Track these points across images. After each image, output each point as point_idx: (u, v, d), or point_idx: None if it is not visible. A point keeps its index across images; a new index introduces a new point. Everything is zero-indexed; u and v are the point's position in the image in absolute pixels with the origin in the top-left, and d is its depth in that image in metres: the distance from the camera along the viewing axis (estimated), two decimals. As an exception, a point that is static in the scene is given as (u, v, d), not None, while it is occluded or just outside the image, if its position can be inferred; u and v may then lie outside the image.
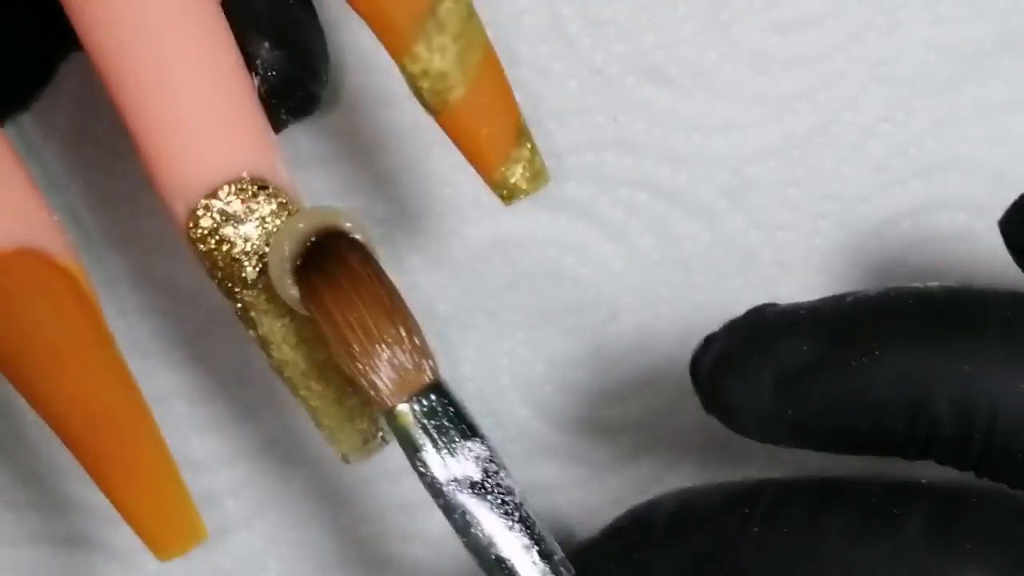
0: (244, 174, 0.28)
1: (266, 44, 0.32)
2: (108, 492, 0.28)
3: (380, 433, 0.31)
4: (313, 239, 0.28)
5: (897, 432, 0.27)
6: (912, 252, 0.38)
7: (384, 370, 0.28)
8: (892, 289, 0.28)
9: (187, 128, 0.28)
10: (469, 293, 0.39)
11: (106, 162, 0.38)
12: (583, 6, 0.37)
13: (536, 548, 0.28)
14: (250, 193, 0.28)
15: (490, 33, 0.37)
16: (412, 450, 0.28)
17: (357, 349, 0.28)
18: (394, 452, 0.40)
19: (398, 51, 0.28)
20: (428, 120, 0.38)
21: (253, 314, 0.29)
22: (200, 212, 0.28)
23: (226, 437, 0.40)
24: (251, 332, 0.30)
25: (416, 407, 0.28)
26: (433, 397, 0.29)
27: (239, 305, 0.29)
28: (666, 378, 0.39)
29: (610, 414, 0.39)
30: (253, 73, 0.31)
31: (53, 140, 0.38)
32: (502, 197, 0.29)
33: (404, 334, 0.29)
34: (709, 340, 0.30)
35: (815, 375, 0.28)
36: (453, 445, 0.28)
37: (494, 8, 0.37)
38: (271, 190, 0.28)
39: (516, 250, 0.39)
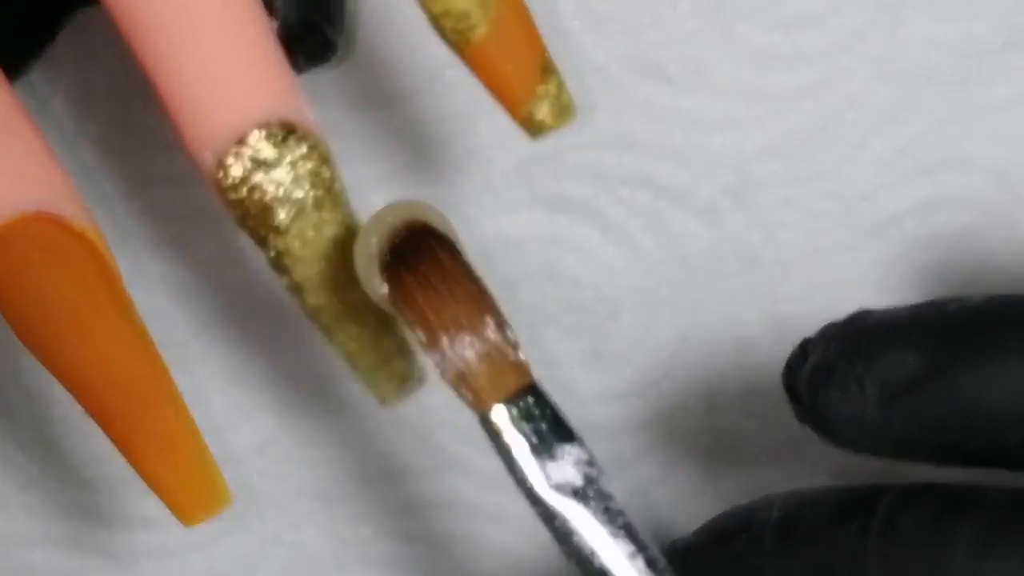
0: (272, 118, 0.28)
1: None
2: (132, 459, 0.28)
3: (417, 373, 0.30)
4: (402, 234, 0.28)
5: (1010, 445, 0.27)
6: (915, 251, 0.38)
7: (476, 370, 0.28)
8: (995, 297, 0.28)
9: (211, 74, 0.27)
10: (469, 293, 0.39)
11: (104, 161, 0.38)
12: (584, 3, 0.37)
13: (641, 556, 0.28)
14: (280, 137, 0.28)
15: (490, 31, 0.37)
16: (508, 455, 0.28)
17: (449, 347, 0.28)
18: (396, 453, 0.40)
19: None
20: (427, 120, 0.38)
21: (287, 261, 0.29)
22: (230, 161, 0.28)
23: (222, 438, 0.40)
24: (284, 280, 0.29)
25: (513, 409, 0.28)
26: (529, 399, 0.28)
27: (272, 253, 0.29)
28: (667, 378, 0.39)
29: (610, 414, 0.39)
30: (272, 16, 0.31)
31: (54, 137, 0.38)
32: (530, 133, 0.29)
33: (497, 333, 0.28)
34: (805, 347, 0.29)
35: (923, 388, 0.27)
36: (552, 449, 0.28)
37: (494, 5, 0.37)
38: (300, 133, 0.28)
39: (516, 250, 0.38)
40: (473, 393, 0.27)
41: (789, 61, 0.37)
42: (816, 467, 0.38)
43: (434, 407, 0.39)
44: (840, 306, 0.38)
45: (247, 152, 0.28)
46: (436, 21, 0.28)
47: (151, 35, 0.27)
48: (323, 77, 0.38)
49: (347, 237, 0.29)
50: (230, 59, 0.27)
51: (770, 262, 0.38)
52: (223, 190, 0.28)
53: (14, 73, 0.32)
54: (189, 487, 0.28)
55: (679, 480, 0.40)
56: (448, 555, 0.40)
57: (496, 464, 0.40)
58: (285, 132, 0.28)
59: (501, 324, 0.28)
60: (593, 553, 0.27)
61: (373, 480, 0.40)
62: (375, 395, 0.31)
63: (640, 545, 0.27)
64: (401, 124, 0.38)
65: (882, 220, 0.38)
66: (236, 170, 0.28)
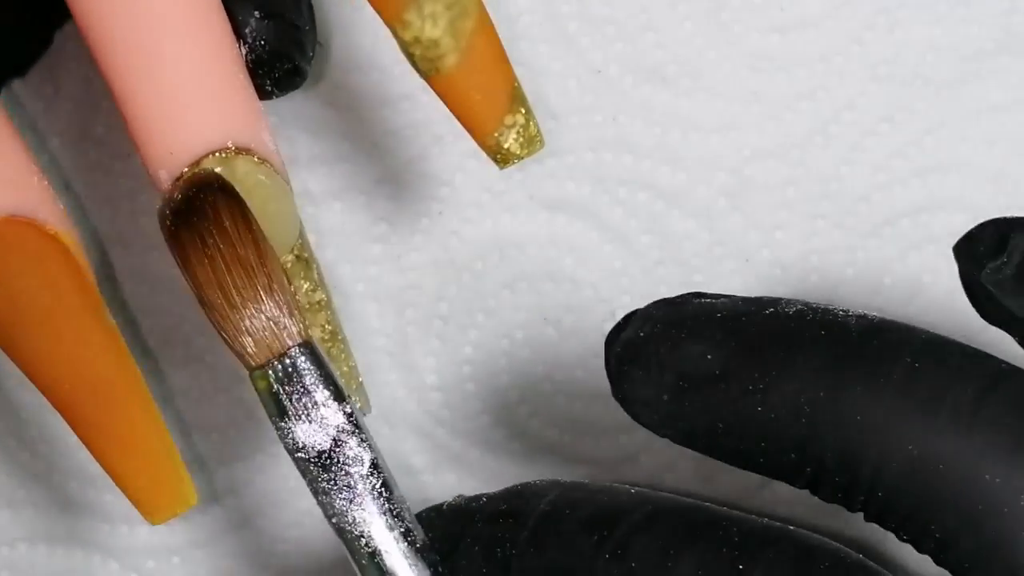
0: (229, 143, 0.28)
1: (255, 13, 0.32)
2: (99, 456, 0.28)
3: (358, 403, 0.30)
4: (186, 192, 0.28)
5: (783, 463, 0.27)
6: (910, 252, 0.38)
7: (246, 333, 0.28)
8: (812, 311, 0.27)
9: (172, 96, 0.27)
10: (469, 293, 0.39)
11: (106, 161, 0.38)
12: (582, 6, 0.37)
13: (386, 518, 0.28)
14: (234, 163, 0.28)
15: (490, 33, 0.37)
16: (270, 414, 0.28)
17: (220, 311, 0.28)
18: (395, 451, 0.40)
19: (389, 17, 0.28)
20: (427, 119, 0.38)
21: None
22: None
23: (226, 435, 0.40)
24: None
25: (271, 372, 0.28)
26: (295, 360, 0.28)
27: None
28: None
29: (610, 414, 0.39)
30: (241, 42, 0.31)
31: (54, 141, 0.38)
32: (496, 162, 0.29)
33: (266, 295, 0.28)
34: (626, 319, 0.29)
35: (711, 389, 0.27)
36: (307, 412, 0.28)
37: (494, 8, 0.37)
38: (256, 160, 0.28)
39: (516, 250, 0.39)
40: (242, 354, 0.28)
41: (786, 64, 0.37)
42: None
43: (434, 406, 0.39)
44: (838, 306, 0.39)
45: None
46: (406, 48, 0.28)
47: (115, 52, 0.27)
48: (323, 78, 0.38)
49: (296, 264, 0.29)
50: (191, 83, 0.28)
51: (767, 263, 0.38)
52: (175, 211, 0.28)
53: (5, 80, 0.33)
54: (154, 486, 0.28)
55: (676, 479, 0.40)
56: (447, 552, 0.40)
57: (496, 462, 0.40)
58: (240, 158, 0.28)
59: (274, 285, 0.28)
60: (338, 514, 0.28)
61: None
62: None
63: (390, 508, 0.28)
64: (402, 125, 0.38)
65: (878, 221, 0.38)
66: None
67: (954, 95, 0.37)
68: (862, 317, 0.27)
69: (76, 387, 0.28)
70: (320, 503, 0.29)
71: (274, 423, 0.28)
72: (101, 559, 0.40)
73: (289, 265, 0.29)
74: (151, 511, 0.28)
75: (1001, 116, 0.38)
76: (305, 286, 0.29)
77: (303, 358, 0.28)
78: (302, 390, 0.28)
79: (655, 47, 0.37)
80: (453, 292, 0.39)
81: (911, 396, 0.26)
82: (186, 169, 0.28)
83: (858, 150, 0.38)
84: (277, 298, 0.28)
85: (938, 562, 0.26)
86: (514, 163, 0.29)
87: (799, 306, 0.27)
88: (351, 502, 0.28)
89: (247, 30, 0.32)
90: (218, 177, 0.28)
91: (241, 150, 0.28)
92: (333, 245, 0.39)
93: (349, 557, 0.29)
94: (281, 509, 0.40)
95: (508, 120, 0.29)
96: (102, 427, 0.28)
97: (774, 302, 0.28)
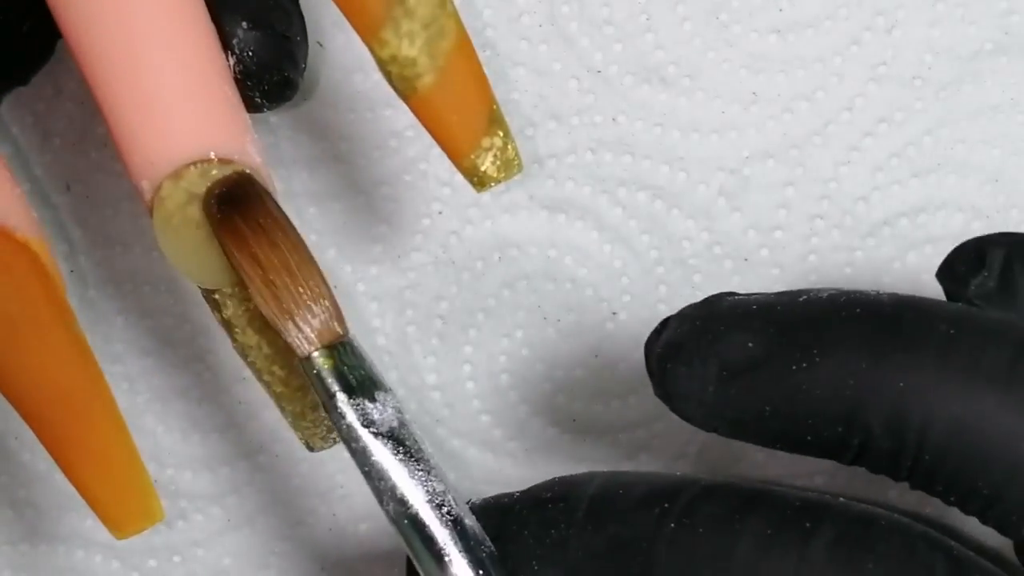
0: (211, 154, 0.28)
1: (243, 24, 0.32)
2: (65, 469, 0.28)
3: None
4: (226, 183, 0.28)
5: (831, 439, 0.27)
6: (909, 252, 0.38)
7: (306, 315, 0.28)
8: (844, 293, 0.28)
9: (154, 105, 0.27)
10: (469, 293, 0.39)
11: (107, 162, 0.38)
12: (582, 6, 0.37)
13: (448, 497, 0.28)
14: (215, 174, 0.28)
15: (489, 33, 0.37)
16: (330, 396, 0.28)
17: (282, 291, 0.28)
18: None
19: (366, 35, 0.28)
20: (428, 120, 0.38)
21: (218, 296, 0.29)
22: (165, 192, 0.28)
23: (227, 435, 0.40)
24: (216, 314, 0.29)
25: (336, 353, 0.28)
26: (348, 346, 0.29)
27: (202, 287, 0.29)
28: (665, 377, 0.39)
29: (609, 414, 0.39)
30: (229, 53, 0.31)
31: (55, 141, 0.38)
32: (473, 184, 0.29)
33: (322, 284, 0.28)
34: (664, 324, 0.30)
35: (756, 374, 0.28)
36: (371, 392, 0.28)
37: (494, 8, 0.37)
38: (238, 171, 0.28)
39: (516, 250, 0.39)
40: (300, 335, 0.28)
41: (785, 64, 0.37)
42: (812, 465, 0.39)
43: (434, 405, 0.39)
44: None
45: (182, 185, 0.28)
46: (383, 66, 0.28)
47: (98, 61, 0.27)
48: (326, 78, 0.38)
49: None
50: (173, 92, 0.27)
51: (766, 263, 0.38)
52: (156, 220, 0.28)
53: (8, 87, 0.33)
54: (120, 501, 0.28)
55: (676, 478, 0.40)
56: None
57: (496, 462, 0.40)
58: (223, 169, 0.28)
59: (323, 276, 0.29)
60: (402, 491, 0.28)
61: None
62: (301, 439, 0.31)
63: (447, 488, 0.29)
64: (402, 125, 0.38)
65: (877, 221, 0.38)
66: (170, 202, 0.28)
67: (953, 95, 0.38)
68: (892, 295, 0.28)
69: (42, 398, 0.27)
70: (383, 484, 0.29)
71: (338, 403, 0.28)
72: (102, 558, 0.40)
73: None
74: (117, 526, 0.28)
75: (1000, 116, 0.38)
76: None
77: (355, 344, 0.29)
78: (363, 372, 0.29)
79: (655, 48, 0.37)
80: (453, 292, 0.39)
81: (950, 360, 0.27)
82: (165, 181, 0.28)
83: (857, 150, 0.38)
84: (328, 286, 0.29)
85: (984, 520, 0.27)
86: (491, 186, 0.29)
87: (831, 291, 0.28)
88: (428, 474, 0.29)
89: (235, 41, 0.31)
90: (250, 176, 0.28)
91: (224, 161, 0.28)
92: (333, 245, 0.39)
93: (414, 536, 0.29)
94: (281, 509, 0.40)
95: (485, 142, 0.29)
96: (68, 439, 0.28)
97: (805, 291, 0.29)
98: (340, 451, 0.40)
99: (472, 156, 0.29)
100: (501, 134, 0.29)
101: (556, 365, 0.39)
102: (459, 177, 0.38)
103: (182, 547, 0.40)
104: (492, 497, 0.31)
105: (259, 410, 0.40)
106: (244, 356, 0.30)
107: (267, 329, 0.29)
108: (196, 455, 0.40)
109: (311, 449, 0.31)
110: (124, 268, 0.39)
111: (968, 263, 0.30)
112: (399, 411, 0.29)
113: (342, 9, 0.28)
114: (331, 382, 0.28)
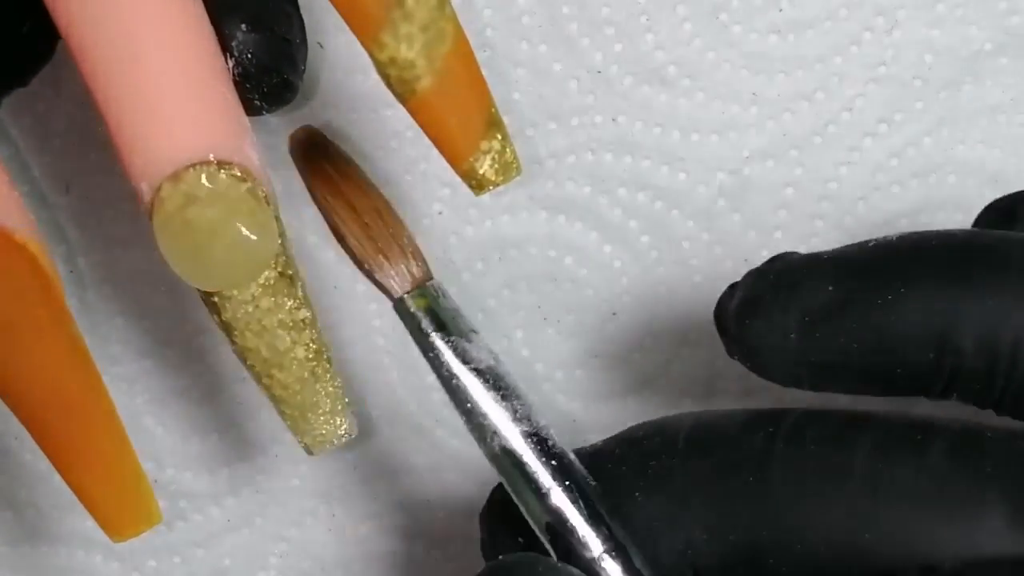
0: (211, 156, 0.28)
1: (242, 26, 0.32)
2: (62, 472, 0.28)
3: (343, 426, 0.31)
4: (310, 134, 0.29)
5: (922, 367, 0.28)
6: (910, 252, 0.38)
7: (400, 258, 0.28)
8: (914, 233, 0.28)
9: (153, 107, 0.27)
10: (469, 293, 0.39)
11: (107, 163, 0.38)
12: (582, 6, 0.37)
13: (545, 432, 0.29)
14: (216, 176, 0.27)
15: (489, 33, 0.37)
16: (426, 337, 0.29)
17: (376, 235, 0.28)
18: (395, 451, 0.40)
19: (365, 37, 0.28)
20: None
21: (217, 299, 0.29)
22: (164, 194, 0.27)
23: (227, 436, 0.40)
24: (215, 317, 0.29)
25: (428, 294, 0.29)
26: (438, 288, 0.29)
27: (202, 290, 0.29)
28: (665, 377, 0.39)
29: (609, 414, 0.39)
30: (228, 55, 0.31)
31: (55, 141, 0.38)
32: (471, 187, 0.29)
33: (406, 229, 0.29)
34: (734, 287, 0.30)
35: (840, 313, 0.28)
36: (465, 332, 0.29)
37: (494, 8, 0.37)
38: (238, 174, 0.28)
39: (515, 250, 0.39)
40: (393, 279, 0.28)
41: (785, 64, 0.37)
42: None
43: (434, 405, 0.39)
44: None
45: (182, 187, 0.27)
46: (381, 68, 0.28)
47: (97, 61, 0.27)
48: (326, 79, 0.38)
49: (280, 281, 0.29)
50: (174, 93, 0.27)
51: (767, 263, 0.39)
52: (155, 222, 0.28)
53: (7, 89, 0.33)
54: (118, 503, 0.28)
55: (676, 478, 0.40)
56: (447, 553, 0.40)
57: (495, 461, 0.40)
58: (221, 172, 0.28)
59: (404, 223, 0.29)
60: (497, 431, 0.29)
61: (373, 478, 0.40)
62: (301, 443, 0.31)
63: (542, 430, 0.29)
64: (403, 126, 0.38)
65: (877, 221, 0.38)
66: (169, 204, 0.28)
67: (953, 96, 0.38)
68: (962, 229, 0.28)
69: (40, 401, 0.27)
70: (483, 422, 0.29)
71: (435, 341, 0.29)
72: (103, 559, 0.40)
73: (272, 282, 0.29)
74: (115, 529, 0.28)
75: (1000, 116, 0.38)
76: (289, 304, 0.29)
77: (442, 287, 0.29)
78: (455, 312, 0.29)
79: (655, 48, 0.37)
80: (453, 292, 0.39)
81: None
82: (164, 183, 0.27)
83: (857, 150, 0.38)
84: (410, 232, 0.29)
85: None
86: (490, 189, 0.29)
87: (897, 234, 0.29)
88: (529, 409, 0.29)
89: (234, 43, 0.31)
90: (321, 133, 0.28)
91: (223, 164, 0.28)
92: (334, 246, 0.39)
93: (513, 471, 0.29)
94: (281, 509, 0.40)
95: (484, 146, 0.29)
96: (66, 443, 0.27)
97: (870, 240, 0.29)
98: (339, 452, 0.40)
99: (470, 159, 0.29)
100: (499, 137, 0.29)
101: (556, 365, 0.39)
102: (459, 178, 0.38)
103: (182, 547, 0.40)
104: (581, 447, 0.31)
105: (259, 411, 0.40)
106: (243, 359, 0.30)
107: (266, 331, 0.29)
108: (196, 455, 0.40)
109: (310, 453, 0.31)
110: (123, 269, 0.39)
111: (999, 220, 0.30)
112: (492, 353, 0.29)
113: (341, 12, 0.28)
114: (426, 322, 0.29)
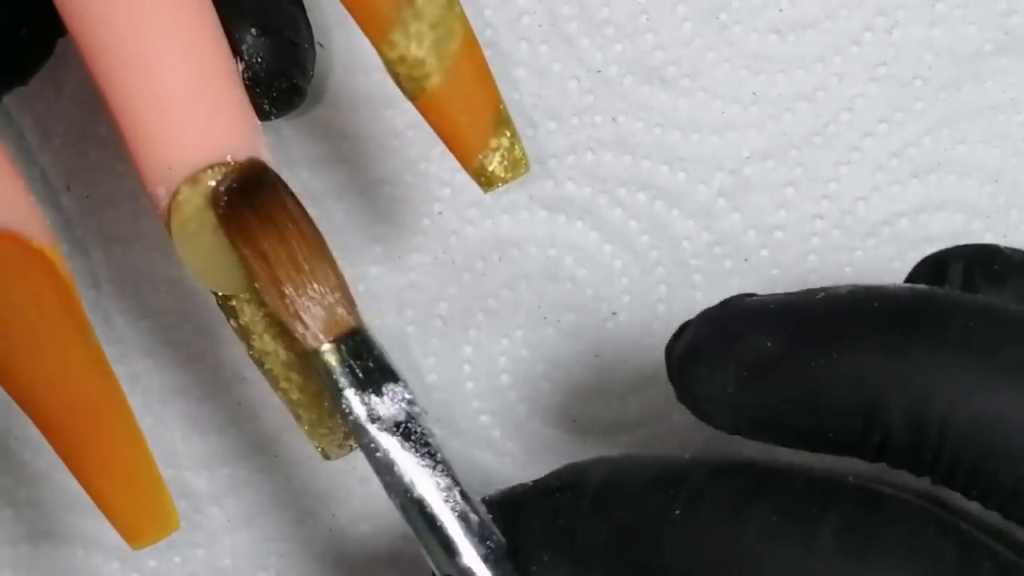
0: (228, 157, 0.28)
1: (252, 30, 0.32)
2: (81, 479, 0.28)
3: None
4: (240, 173, 0.28)
5: (852, 435, 0.27)
6: (909, 252, 0.38)
7: (313, 309, 0.28)
8: (862, 288, 0.28)
9: (169, 109, 0.27)
10: (469, 293, 0.39)
11: (107, 162, 0.38)
12: (582, 7, 0.37)
13: (455, 490, 0.28)
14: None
15: (489, 33, 0.37)
16: (336, 390, 0.28)
17: (288, 286, 0.28)
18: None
19: (376, 36, 0.28)
20: (428, 120, 0.38)
21: (234, 302, 0.29)
22: (182, 197, 0.27)
23: (227, 436, 0.40)
24: (232, 322, 0.29)
25: (343, 347, 0.28)
26: (358, 339, 0.28)
27: (219, 293, 0.29)
28: (665, 377, 0.39)
29: (609, 413, 0.39)
30: (238, 59, 0.31)
31: (55, 141, 0.38)
32: (480, 184, 0.29)
33: (333, 276, 0.28)
34: (684, 328, 0.30)
35: (775, 372, 0.27)
36: (378, 386, 0.28)
37: (494, 8, 0.37)
38: None
39: (516, 250, 0.39)
40: (306, 329, 0.28)
41: (785, 64, 0.37)
42: (811, 465, 0.39)
43: (434, 406, 0.39)
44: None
45: (200, 189, 0.27)
46: (391, 67, 0.28)
47: (111, 66, 0.27)
48: (329, 79, 0.38)
49: None
50: (190, 95, 0.27)
51: (766, 263, 0.39)
52: (173, 226, 0.27)
53: (7, 87, 0.32)
54: (137, 510, 0.28)
55: (676, 478, 0.40)
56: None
57: (496, 462, 0.40)
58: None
59: (335, 268, 0.29)
60: (410, 485, 0.29)
61: (371, 477, 0.40)
62: (318, 448, 0.31)
63: (454, 482, 0.29)
64: (403, 125, 0.38)
65: (877, 221, 0.38)
66: (187, 207, 0.27)
67: (953, 96, 0.38)
68: (910, 288, 0.28)
69: (59, 407, 0.27)
70: (392, 479, 0.29)
71: (345, 398, 0.28)
72: (103, 558, 0.40)
73: None
74: (134, 536, 0.28)
75: (1000, 116, 0.38)
76: None
77: (366, 336, 0.29)
78: (372, 366, 0.29)
79: (655, 48, 0.37)
80: (453, 292, 0.39)
81: (969, 352, 0.26)
82: (182, 186, 0.27)
83: (857, 150, 0.38)
84: (340, 277, 0.29)
85: (1006, 515, 0.27)
86: (498, 186, 0.29)
87: (850, 287, 0.28)
88: (433, 469, 0.29)
89: (244, 47, 0.31)
90: (264, 165, 0.28)
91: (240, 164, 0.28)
92: (334, 245, 0.39)
93: (424, 528, 0.29)
94: (281, 509, 0.40)
95: (493, 143, 0.29)
96: (85, 449, 0.27)
97: (824, 289, 0.29)
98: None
99: (480, 157, 0.29)
100: (508, 134, 0.29)
101: (556, 365, 0.39)
102: (460, 177, 0.38)
103: (182, 547, 0.40)
104: (507, 489, 0.31)
105: (259, 411, 0.40)
106: (260, 364, 0.30)
107: (284, 334, 0.29)
108: (196, 455, 0.40)
109: (327, 457, 0.31)
110: (123, 268, 0.39)
111: (929, 278, 0.30)
112: (410, 403, 0.29)
113: (351, 12, 0.28)
114: (338, 377, 0.28)
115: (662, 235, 0.38)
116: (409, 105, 0.38)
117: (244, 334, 0.29)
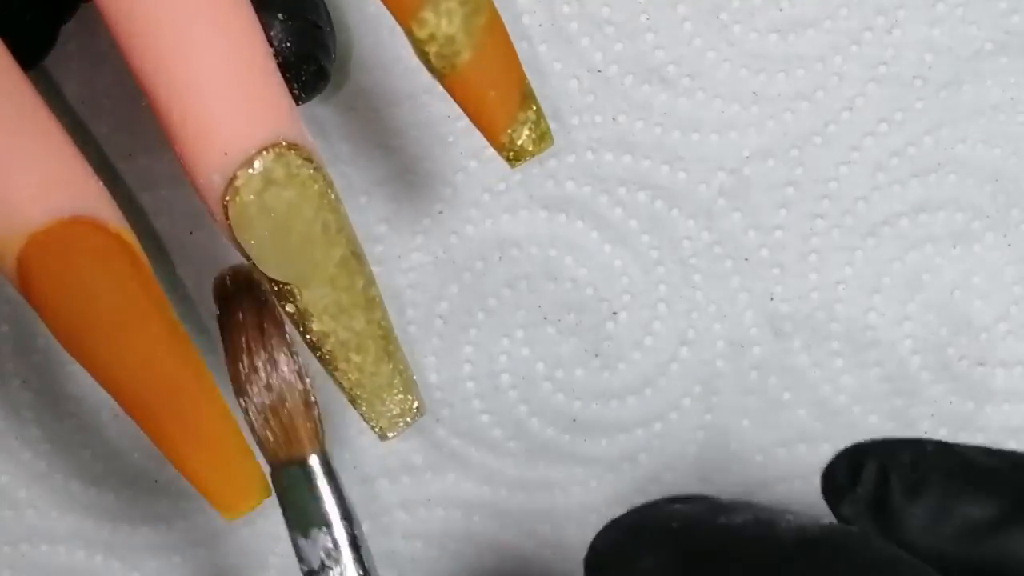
0: (280, 139, 0.27)
1: (279, 15, 0.32)
2: (172, 455, 0.28)
3: (415, 403, 0.30)
4: (235, 279, 0.29)
5: None
6: (910, 252, 0.38)
7: (273, 430, 0.29)
8: (756, 523, 0.28)
9: (216, 95, 0.27)
10: (469, 292, 0.39)
11: (108, 163, 0.38)
12: (582, 6, 0.37)
13: None
14: (288, 158, 0.27)
15: (490, 33, 0.37)
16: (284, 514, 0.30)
17: (253, 402, 0.29)
18: (394, 451, 0.40)
19: (404, 16, 0.28)
20: (429, 120, 0.38)
21: (292, 286, 0.29)
22: (240, 182, 0.27)
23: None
24: (288, 307, 0.29)
25: (286, 477, 0.29)
26: (308, 467, 0.30)
27: (280, 280, 0.29)
28: (664, 377, 0.39)
29: (609, 413, 0.39)
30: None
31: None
32: (509, 159, 0.29)
33: (301, 400, 0.29)
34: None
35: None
36: (305, 528, 0.29)
37: (494, 8, 0.37)
38: (305, 154, 0.28)
39: (516, 250, 0.39)
40: (265, 450, 0.29)
41: (785, 64, 0.37)
42: (811, 465, 0.39)
43: (434, 406, 0.39)
44: (836, 306, 0.39)
45: (258, 172, 0.27)
46: (421, 46, 0.28)
47: (152, 57, 0.27)
48: (350, 61, 0.38)
49: (352, 260, 0.29)
50: (234, 81, 0.27)
51: (766, 262, 0.39)
52: (231, 213, 0.27)
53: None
54: (229, 481, 0.28)
55: (675, 477, 0.40)
56: (446, 551, 0.40)
57: (496, 462, 0.40)
58: (292, 154, 0.27)
59: (307, 393, 0.29)
60: None
61: (372, 477, 0.40)
62: (376, 428, 0.31)
63: None
64: (403, 125, 0.38)
65: (877, 221, 0.38)
66: (246, 192, 0.27)
67: (953, 95, 0.38)
68: (802, 529, 0.27)
69: (147, 386, 0.27)
70: None
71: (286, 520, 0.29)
72: (103, 558, 0.40)
73: (345, 262, 0.29)
74: (228, 506, 0.28)
75: (1000, 116, 0.38)
76: (360, 283, 0.29)
77: (322, 467, 0.29)
78: (301, 507, 0.30)
79: (655, 47, 0.37)
80: (453, 292, 0.39)
81: None
82: (239, 170, 0.27)
83: (857, 150, 0.38)
84: (310, 400, 0.29)
85: None
86: (526, 160, 0.29)
87: (748, 516, 0.28)
88: None
89: (272, 32, 0.32)
90: (248, 274, 0.29)
91: (291, 146, 0.28)
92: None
93: None
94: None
95: (520, 116, 0.29)
96: (174, 425, 0.27)
97: (728, 509, 0.28)
98: (340, 453, 0.40)
99: (508, 131, 0.29)
100: (534, 107, 0.29)
101: (556, 365, 0.39)
102: (460, 177, 0.38)
103: (182, 547, 0.40)
104: None
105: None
106: (318, 347, 0.29)
107: (343, 314, 0.29)
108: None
109: (384, 438, 0.31)
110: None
111: (844, 475, 0.29)
112: (328, 553, 0.29)
113: None
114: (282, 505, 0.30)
115: (662, 235, 0.38)
116: (410, 105, 0.38)
117: (301, 318, 0.29)
